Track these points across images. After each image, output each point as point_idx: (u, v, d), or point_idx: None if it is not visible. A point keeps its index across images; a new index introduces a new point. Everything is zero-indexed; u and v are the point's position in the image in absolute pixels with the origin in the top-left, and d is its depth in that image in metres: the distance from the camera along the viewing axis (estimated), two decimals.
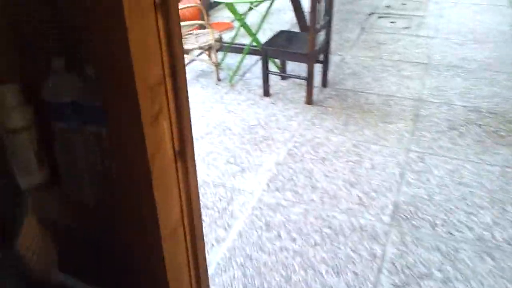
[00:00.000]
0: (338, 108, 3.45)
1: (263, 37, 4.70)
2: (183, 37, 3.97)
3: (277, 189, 2.60)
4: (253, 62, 4.30)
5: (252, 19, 5.08)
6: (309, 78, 3.41)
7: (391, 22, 5.24)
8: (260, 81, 3.72)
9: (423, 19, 5.30)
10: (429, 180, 2.62)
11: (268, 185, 2.64)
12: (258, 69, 4.02)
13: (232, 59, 4.38)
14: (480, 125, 3.15)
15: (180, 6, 5.12)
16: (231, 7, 3.72)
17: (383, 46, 4.56)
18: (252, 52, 4.09)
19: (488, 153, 2.85)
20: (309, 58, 3.33)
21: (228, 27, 5.15)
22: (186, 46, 3.83)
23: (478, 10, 5.55)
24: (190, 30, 4.31)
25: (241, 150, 3.00)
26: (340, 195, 2.53)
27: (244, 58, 4.02)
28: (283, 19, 5.45)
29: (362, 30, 5.02)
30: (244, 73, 4.13)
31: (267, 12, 3.91)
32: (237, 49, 4.43)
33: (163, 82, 1.03)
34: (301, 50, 3.38)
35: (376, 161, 2.80)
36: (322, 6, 3.28)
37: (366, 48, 4.53)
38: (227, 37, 4.86)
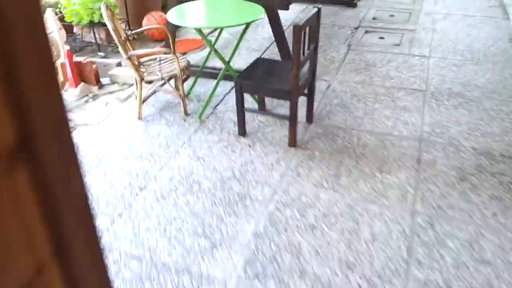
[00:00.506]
0: (326, 152, 2.93)
1: (238, 59, 4.16)
2: (145, 64, 3.39)
3: (257, 276, 2.06)
4: (227, 90, 3.75)
5: (225, 35, 4.53)
6: (292, 118, 2.88)
7: (380, 38, 4.75)
8: (235, 115, 3.18)
9: (415, 34, 4.83)
10: (443, 257, 2.13)
11: (245, 269, 2.10)
12: (232, 99, 3.47)
13: (203, 85, 3.82)
14: (494, 173, 2.68)
15: (146, 26, 4.54)
16: (200, 31, 3.16)
17: (373, 68, 4.06)
18: (226, 77, 3.53)
19: (509, 214, 2.37)
20: (292, 95, 2.80)
21: (198, 45, 4.58)
22: (147, 77, 3.25)
23: (472, 22, 5.12)
24: (154, 54, 3.72)
25: (212, 214, 2.45)
26: (336, 283, 2.01)
27: (216, 87, 3.46)
28: (261, 34, 4.91)
29: (348, 48, 4.52)
30: (217, 104, 3.57)
31: (241, 38, 3.35)
32: (209, 73, 3.88)
33: (42, 273, 0.52)
34: (282, 84, 2.85)
35: (376, 229, 2.29)
36: (306, 33, 2.75)
37: (354, 70, 4.03)
38: (198, 57, 4.30)
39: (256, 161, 2.87)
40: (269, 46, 4.60)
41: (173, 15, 3.26)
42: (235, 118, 3.16)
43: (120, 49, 3.10)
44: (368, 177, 2.68)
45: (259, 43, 4.73)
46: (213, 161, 2.89)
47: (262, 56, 4.34)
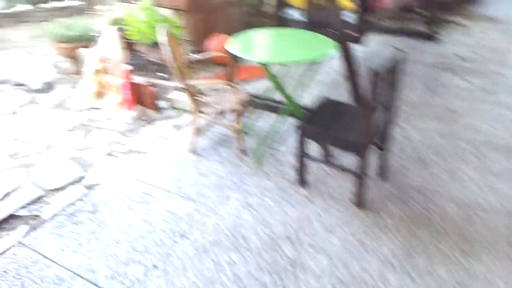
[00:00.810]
0: (398, 219, 2.50)
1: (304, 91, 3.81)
2: (205, 93, 3.15)
3: None
4: (290, 127, 3.41)
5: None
6: (361, 175, 2.48)
7: (465, 80, 4.21)
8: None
9: (505, 78, 4.24)
10: None
11: None
12: (294, 138, 3.13)
13: (265, 120, 3.52)
14: None
15: (207, 53, 4.34)
16: (265, 67, 2.87)
17: (457, 117, 3.56)
18: (290, 112, 3.22)
19: None
20: (362, 150, 2.41)
21: (262, 73, 4.29)
22: (203, 109, 3.00)
23: None
24: (213, 84, 3.48)
25: (256, 282, 2.11)
26: None
27: (278, 125, 3.14)
28: (332, 66, 4.53)
29: (428, 90, 4.04)
30: (277, 143, 3.24)
31: (309, 76, 3.01)
32: (272, 107, 3.58)
33: None
34: (351, 135, 2.46)
35: None
36: (385, 78, 2.37)
37: (434, 118, 3.55)
38: (260, 86, 4.01)
39: (314, 220, 2.50)
40: (340, 79, 4.22)
41: (234, 45, 3.00)
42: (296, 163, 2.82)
43: (177, 76, 2.87)
44: (448, 260, 2.21)
45: (329, 75, 4.36)
46: (265, 212, 2.56)
47: (331, 93, 3.97)
